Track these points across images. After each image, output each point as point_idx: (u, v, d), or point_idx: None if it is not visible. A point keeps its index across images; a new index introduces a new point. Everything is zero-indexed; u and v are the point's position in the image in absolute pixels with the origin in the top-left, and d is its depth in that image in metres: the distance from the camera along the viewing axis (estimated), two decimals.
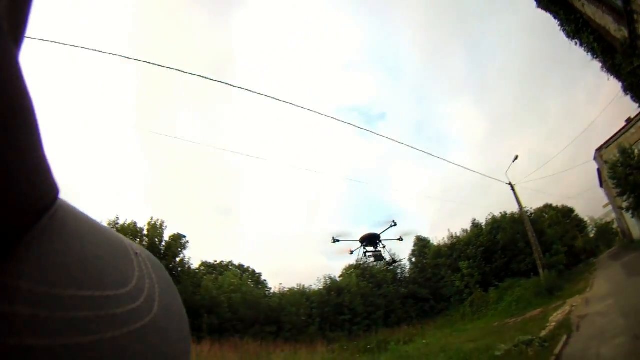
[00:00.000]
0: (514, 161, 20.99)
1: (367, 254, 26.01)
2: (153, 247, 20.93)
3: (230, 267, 26.73)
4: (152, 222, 22.00)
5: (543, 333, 9.09)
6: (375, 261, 26.12)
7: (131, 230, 21.19)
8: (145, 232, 21.78)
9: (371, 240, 26.54)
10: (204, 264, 25.92)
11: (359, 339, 18.30)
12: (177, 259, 22.31)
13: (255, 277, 27.58)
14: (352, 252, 26.73)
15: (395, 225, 27.20)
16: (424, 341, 15.21)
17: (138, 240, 20.95)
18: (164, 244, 21.98)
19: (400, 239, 27.63)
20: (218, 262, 27.27)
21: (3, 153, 0.24)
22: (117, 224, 20.99)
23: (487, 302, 19.54)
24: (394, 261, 26.79)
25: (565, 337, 7.85)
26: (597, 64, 9.83)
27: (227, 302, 20.10)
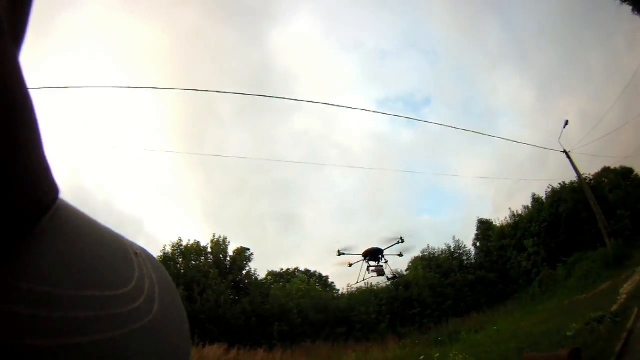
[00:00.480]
0: (564, 127, 19.43)
1: (370, 268, 24.73)
2: (218, 263, 21.84)
3: (297, 274, 27.29)
4: (215, 240, 22.86)
5: (614, 307, 8.41)
6: (377, 276, 24.62)
7: (195, 250, 22.12)
8: (209, 249, 22.64)
9: (374, 254, 25.43)
10: (271, 273, 26.61)
11: (430, 332, 17.90)
12: (244, 272, 23.09)
13: (323, 281, 27.91)
14: (350, 265, 25.56)
15: (402, 242, 25.96)
16: (495, 328, 14.54)
17: (203, 258, 22.03)
18: (228, 259, 22.79)
19: (400, 255, 25.96)
20: (284, 269, 27.88)
21: (3, 153, 0.24)
22: (181, 245, 21.99)
23: (556, 280, 18.31)
24: (395, 277, 25.10)
25: (637, 309, 7.07)
26: (627, 8, 8.76)
27: (296, 308, 20.48)
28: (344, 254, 26.00)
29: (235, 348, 15.88)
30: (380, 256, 25.24)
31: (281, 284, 24.45)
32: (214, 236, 23.02)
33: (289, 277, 26.46)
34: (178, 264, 21.43)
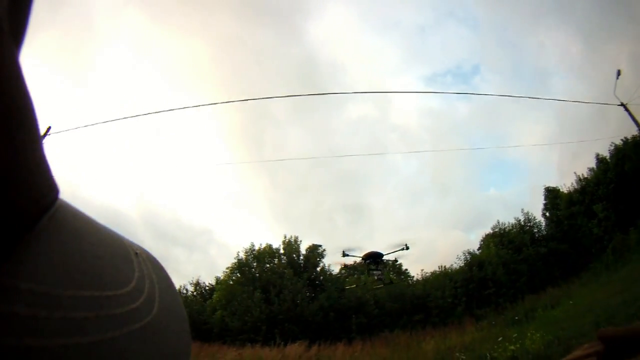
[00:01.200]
0: (617, 77, 17.35)
1: (371, 272, 24.81)
2: (292, 263, 22.40)
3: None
4: (287, 240, 23.46)
5: None
6: (377, 279, 24.19)
7: (268, 253, 22.81)
8: (282, 250, 23.28)
9: (374, 258, 25.42)
10: (345, 266, 26.95)
11: (506, 311, 17.10)
12: (318, 269, 23.35)
13: (397, 268, 27.59)
14: (369, 273, 24.89)
15: (407, 249, 25.43)
16: (571, 302, 13.73)
17: (277, 260, 22.72)
18: (302, 257, 23.23)
19: (407, 248, 25.45)
20: (358, 262, 27.76)
21: (3, 153, 0.24)
22: (254, 250, 22.87)
23: (629, 246, 16.39)
24: (391, 282, 24.15)
25: None
26: None
27: (372, 299, 20.59)
28: (347, 255, 25.96)
29: (315, 344, 16.36)
30: (379, 260, 25.29)
31: (355, 276, 24.70)
32: (285, 237, 23.59)
33: (362, 268, 26.39)
34: (253, 268, 22.28)
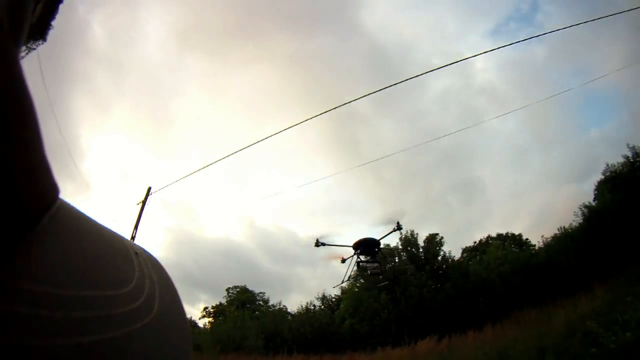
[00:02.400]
0: None
1: (362, 264, 20.00)
2: (413, 257, 22.38)
3: (490, 242, 26.05)
4: (404, 236, 23.06)
5: None
6: (371, 274, 20.16)
7: (389, 251, 22.52)
8: (400, 246, 23.28)
9: (368, 247, 19.96)
10: (465, 249, 26.19)
11: (632, 268, 15.14)
12: (439, 258, 23.10)
13: (517, 240, 26.01)
14: (343, 261, 20.20)
15: (400, 228, 20.72)
16: None
17: (397, 258, 22.76)
18: (421, 250, 23.11)
19: (399, 227, 20.69)
20: (477, 242, 27.06)
21: (3, 153, 0.24)
22: None
23: None
24: (396, 276, 20.42)
25: None
26: None
27: (497, 278, 19.76)
28: (323, 244, 20.33)
29: (445, 337, 16.47)
30: (377, 249, 20.16)
31: (477, 257, 23.68)
32: (401, 233, 23.03)
33: (483, 248, 25.40)
34: None
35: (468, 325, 17.19)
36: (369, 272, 20.16)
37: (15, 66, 0.25)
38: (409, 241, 23.37)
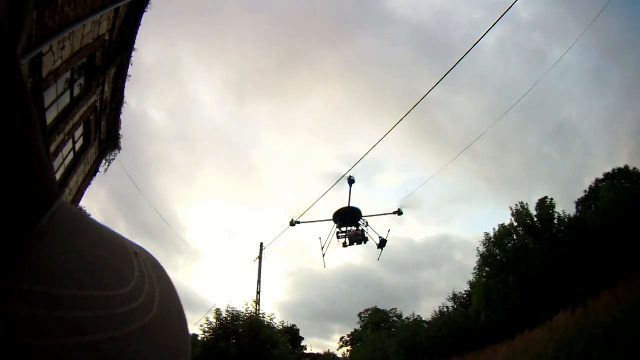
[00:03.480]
0: None
1: (341, 234, 18.29)
2: (529, 229, 20.88)
3: (600, 185, 23.43)
4: (515, 210, 21.77)
5: None
6: (352, 243, 18.12)
7: (503, 233, 21.37)
8: (514, 222, 21.71)
9: (348, 216, 18.28)
10: (579, 201, 24.15)
11: None
12: (555, 221, 21.23)
13: (624, 173, 22.85)
14: (339, 236, 18.32)
15: (401, 213, 18.70)
16: None
17: (514, 235, 21.26)
18: (535, 219, 21.45)
19: (400, 212, 18.80)
20: (586, 190, 24.44)
21: (3, 153, 0.24)
22: (491, 239, 21.67)
23: None
24: (384, 243, 18.20)
25: None
26: None
27: (615, 223, 17.51)
28: (298, 222, 19.29)
29: (579, 304, 15.61)
30: (360, 219, 18.48)
31: (591, 207, 21.21)
32: (511, 208, 21.90)
33: (594, 195, 22.59)
34: (497, 256, 21.24)
35: (599, 285, 16.18)
36: (347, 239, 18.33)
37: (15, 66, 0.26)
38: (521, 214, 22.02)
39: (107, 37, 9.08)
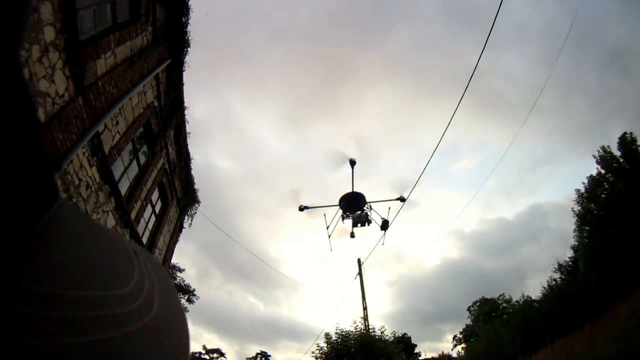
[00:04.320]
0: None
1: (346, 216, 18.80)
2: (618, 171, 18.57)
3: None
4: (599, 158, 19.22)
5: None
6: (355, 225, 18.71)
7: (596, 181, 19.11)
8: (601, 170, 19.18)
9: (354, 201, 18.60)
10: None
11: None
12: None
13: None
14: (343, 218, 18.71)
15: (403, 200, 18.05)
16: None
17: (606, 184, 18.86)
18: (621, 160, 18.75)
19: (402, 199, 18.24)
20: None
21: (3, 153, 0.25)
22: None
23: None
24: (386, 224, 18.25)
25: None
26: None
27: None
28: (306, 207, 19.73)
29: None
30: (366, 206, 18.87)
31: None
32: (598, 152, 19.26)
33: None
34: (595, 211, 18.89)
35: None
36: (352, 222, 19.12)
37: (15, 66, 0.25)
38: (606, 159, 19.41)
39: (156, 104, 9.79)
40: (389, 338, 17.00)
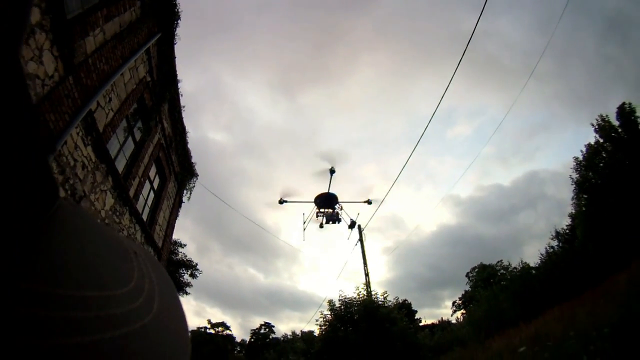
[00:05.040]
0: None
1: (320, 214, 21.76)
2: (617, 142, 18.53)
3: None
4: (597, 127, 19.12)
5: None
6: (327, 222, 21.48)
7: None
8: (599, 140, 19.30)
9: (326, 201, 21.88)
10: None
11: None
12: None
13: None
14: (318, 215, 21.73)
15: (370, 203, 21.93)
16: None
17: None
18: (619, 130, 18.70)
19: (369, 202, 21.96)
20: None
21: (3, 153, 0.25)
22: None
23: None
24: (353, 224, 21.07)
25: None
26: None
27: None
28: (285, 201, 22.85)
29: None
30: (337, 203, 22.11)
31: None
32: (597, 120, 19.19)
33: None
34: (592, 179, 18.90)
35: None
36: (324, 219, 21.85)
37: (15, 66, 0.26)
38: (604, 128, 19.46)
39: (148, 79, 9.62)
40: (392, 304, 16.70)
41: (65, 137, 5.93)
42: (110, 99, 7.76)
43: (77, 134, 6.54)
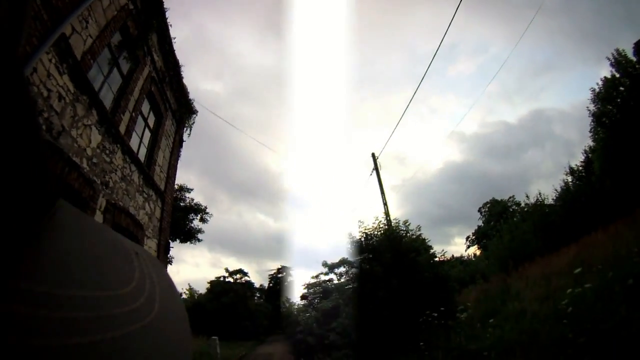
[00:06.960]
0: None
1: None
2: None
3: None
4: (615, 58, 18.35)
5: None
6: None
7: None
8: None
9: None
10: None
11: None
12: None
13: None
14: None
15: None
16: None
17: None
18: None
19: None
20: None
21: (3, 153, 0.25)
22: None
23: None
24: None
25: None
26: None
27: None
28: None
29: None
30: None
31: None
32: (613, 55, 18.26)
33: None
34: (610, 113, 18.24)
35: None
36: None
37: (15, 66, 0.26)
38: (621, 62, 18.17)
39: (131, 6, 8.87)
40: (414, 233, 15.15)
41: (33, 62, 5.42)
42: (87, 24, 7.15)
43: (50, 60, 6.01)
